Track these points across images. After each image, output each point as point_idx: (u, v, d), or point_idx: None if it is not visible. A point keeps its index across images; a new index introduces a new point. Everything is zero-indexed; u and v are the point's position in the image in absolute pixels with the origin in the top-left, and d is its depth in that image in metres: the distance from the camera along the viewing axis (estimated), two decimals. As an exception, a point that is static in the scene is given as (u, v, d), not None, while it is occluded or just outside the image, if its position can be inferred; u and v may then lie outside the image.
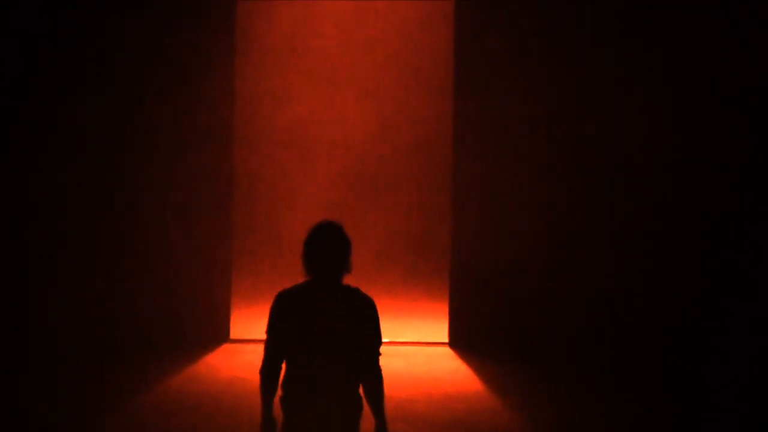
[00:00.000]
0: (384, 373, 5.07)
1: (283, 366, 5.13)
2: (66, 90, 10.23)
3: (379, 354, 5.02)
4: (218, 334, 10.64)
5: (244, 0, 10.65)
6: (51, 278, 10.29)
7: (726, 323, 10.03)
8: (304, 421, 5.08)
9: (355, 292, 5.07)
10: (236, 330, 10.98)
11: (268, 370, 5.10)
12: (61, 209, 10.32)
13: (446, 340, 10.65)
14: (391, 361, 9.24)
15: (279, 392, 5.09)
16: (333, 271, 5.02)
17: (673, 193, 10.26)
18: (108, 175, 10.26)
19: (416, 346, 10.49)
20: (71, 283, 10.25)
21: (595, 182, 10.29)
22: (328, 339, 5.04)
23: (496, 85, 10.21)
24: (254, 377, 6.15)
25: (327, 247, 5.01)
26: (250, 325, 11.08)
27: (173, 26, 10.13)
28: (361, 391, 5.05)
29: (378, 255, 11.48)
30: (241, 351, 10.17)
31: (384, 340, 7.35)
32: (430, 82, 11.67)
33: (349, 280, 5.04)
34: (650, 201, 10.30)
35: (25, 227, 10.27)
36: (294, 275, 6.40)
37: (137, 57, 10.17)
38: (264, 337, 5.07)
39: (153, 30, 10.16)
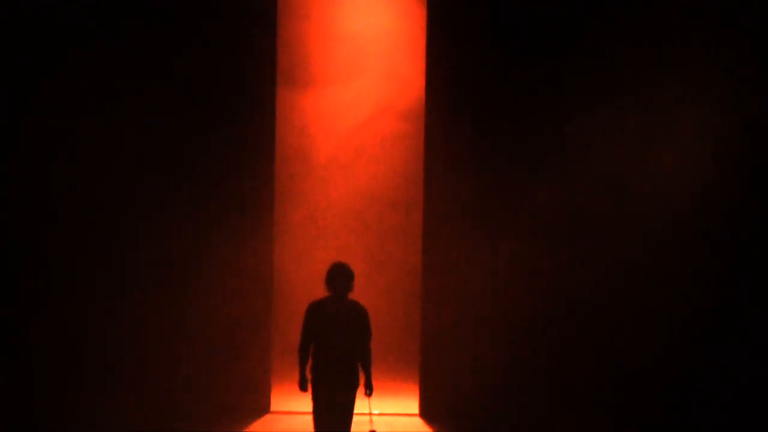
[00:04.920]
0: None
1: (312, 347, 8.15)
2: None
3: (371, 341, 8.08)
4: (258, 405, 11.07)
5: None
6: (76, 344, 10.60)
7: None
8: (325, 379, 8.04)
9: (356, 304, 8.15)
10: (278, 401, 11.34)
11: (303, 349, 8.13)
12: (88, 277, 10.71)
13: (416, 411, 11.23)
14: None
15: (310, 362, 8.12)
16: (342, 291, 8.06)
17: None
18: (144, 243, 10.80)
19: (387, 416, 10.99)
20: (96, 353, 10.59)
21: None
22: (339, 332, 8.01)
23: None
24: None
25: (338, 277, 8.06)
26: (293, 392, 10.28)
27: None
28: (358, 364, 8.13)
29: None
30: (283, 422, 10.73)
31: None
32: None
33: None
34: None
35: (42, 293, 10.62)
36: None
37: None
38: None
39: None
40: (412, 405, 11.55)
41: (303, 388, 8.18)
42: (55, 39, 10.65)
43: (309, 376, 8.13)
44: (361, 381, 8.22)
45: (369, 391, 8.18)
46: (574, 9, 10.90)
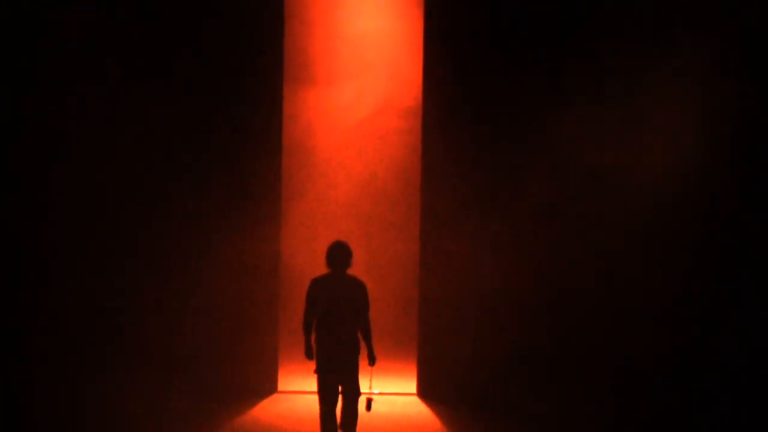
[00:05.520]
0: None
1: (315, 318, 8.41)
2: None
3: (369, 311, 8.41)
4: (265, 386, 11.27)
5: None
6: (89, 328, 10.76)
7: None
8: (328, 348, 8.37)
9: (354, 278, 8.49)
10: (284, 381, 11.58)
11: (307, 321, 8.44)
12: (99, 257, 10.86)
13: (414, 390, 11.42)
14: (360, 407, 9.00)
15: (313, 333, 8.44)
16: (341, 267, 8.44)
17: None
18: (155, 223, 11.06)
19: (385, 396, 11.11)
20: (110, 337, 10.78)
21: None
22: (339, 304, 8.37)
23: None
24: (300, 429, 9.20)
25: (338, 254, 8.44)
26: (301, 372, 11.00)
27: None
28: (358, 334, 8.45)
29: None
30: (290, 401, 10.82)
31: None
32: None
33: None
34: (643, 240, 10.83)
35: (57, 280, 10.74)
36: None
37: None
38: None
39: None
40: (410, 385, 11.75)
41: (309, 356, 8.52)
42: (57, 39, 10.79)
43: (314, 345, 8.47)
44: (364, 352, 8.52)
45: (372, 361, 8.59)
46: (571, 9, 11.04)
